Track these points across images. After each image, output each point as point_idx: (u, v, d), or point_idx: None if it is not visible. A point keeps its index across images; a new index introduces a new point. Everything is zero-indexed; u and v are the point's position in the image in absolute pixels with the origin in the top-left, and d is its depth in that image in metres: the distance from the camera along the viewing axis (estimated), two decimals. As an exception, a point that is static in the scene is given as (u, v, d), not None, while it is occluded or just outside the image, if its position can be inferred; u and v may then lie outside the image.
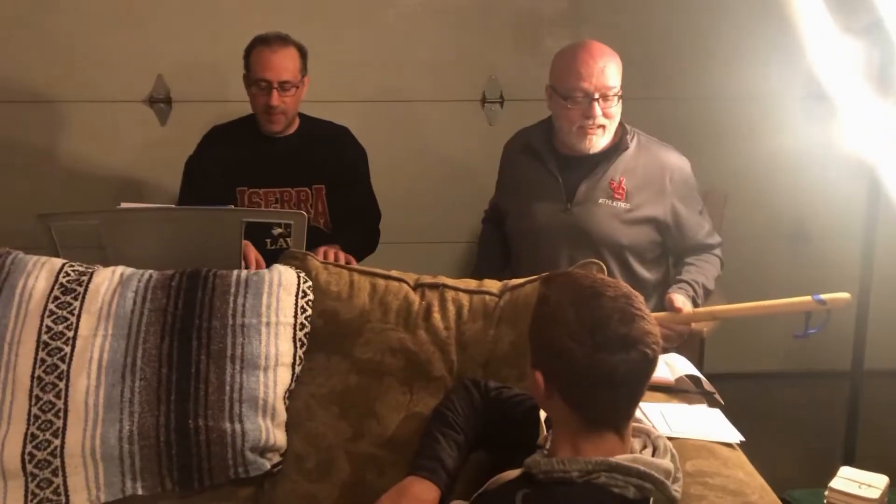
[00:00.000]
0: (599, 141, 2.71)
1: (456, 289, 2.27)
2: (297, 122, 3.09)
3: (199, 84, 3.45)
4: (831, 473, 2.23)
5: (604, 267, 2.23)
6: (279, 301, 2.22)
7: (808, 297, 2.42)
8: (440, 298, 2.25)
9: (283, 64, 2.94)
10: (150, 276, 2.26)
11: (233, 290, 2.22)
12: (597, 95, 2.65)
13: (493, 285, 2.30)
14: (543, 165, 2.81)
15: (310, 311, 2.25)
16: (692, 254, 2.84)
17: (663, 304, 2.74)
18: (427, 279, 2.32)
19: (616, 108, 2.70)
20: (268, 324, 2.19)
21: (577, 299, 1.62)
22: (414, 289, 2.28)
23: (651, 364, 1.61)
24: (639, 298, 1.66)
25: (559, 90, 2.72)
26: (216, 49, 3.36)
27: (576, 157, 2.78)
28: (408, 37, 3.52)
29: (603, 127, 2.69)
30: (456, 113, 3.58)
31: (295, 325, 2.22)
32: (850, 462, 3.06)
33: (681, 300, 2.63)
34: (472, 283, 2.31)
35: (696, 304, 2.70)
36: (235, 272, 2.27)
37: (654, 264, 2.84)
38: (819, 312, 2.41)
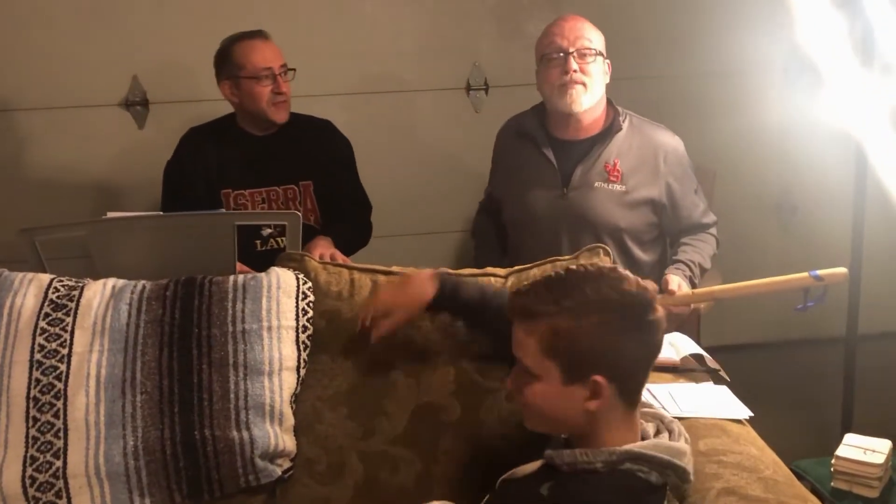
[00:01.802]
0: (581, 99, 2.70)
1: (461, 275, 2.26)
2: None
3: (177, 84, 3.41)
4: (834, 439, 2.25)
5: (609, 250, 2.23)
6: (279, 304, 2.20)
7: (805, 274, 2.45)
8: None
9: (276, 50, 2.95)
10: (144, 286, 2.23)
11: (230, 295, 2.20)
12: (572, 50, 2.68)
13: (497, 270, 2.29)
14: (538, 150, 2.81)
15: (311, 313, 2.23)
16: (688, 233, 2.85)
17: (661, 287, 2.73)
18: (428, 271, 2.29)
19: (596, 67, 2.71)
20: (269, 328, 2.17)
21: (598, 286, 1.62)
22: None
23: (664, 317, 1.68)
24: (631, 273, 1.70)
25: (538, 55, 2.77)
26: (192, 47, 3.31)
27: (570, 141, 2.79)
28: (387, 26, 3.50)
29: (584, 84, 2.69)
30: (441, 101, 3.57)
31: (297, 328, 2.20)
32: (849, 427, 3.11)
33: (676, 282, 2.64)
34: (474, 272, 2.30)
35: (692, 284, 2.71)
36: (232, 277, 2.25)
37: (651, 245, 2.85)
38: (816, 286, 2.44)
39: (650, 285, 1.69)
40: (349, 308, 2.22)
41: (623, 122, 2.77)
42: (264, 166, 3.01)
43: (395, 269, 2.30)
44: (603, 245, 2.24)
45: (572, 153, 2.77)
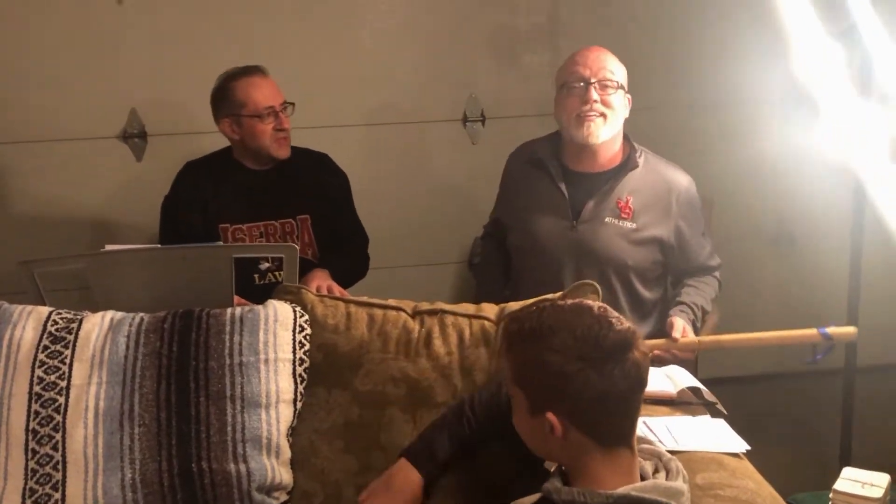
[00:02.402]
0: (599, 131, 2.69)
1: (455, 314, 2.29)
2: None
3: (175, 116, 3.43)
4: (832, 473, 2.26)
5: (598, 288, 2.24)
6: (276, 337, 2.23)
7: (814, 330, 2.48)
8: (440, 324, 2.26)
9: (276, 87, 2.97)
10: (142, 319, 2.26)
11: (228, 328, 2.22)
12: (593, 80, 2.67)
13: (490, 311, 2.30)
14: (550, 180, 2.81)
15: (308, 346, 2.25)
16: (693, 275, 2.86)
17: (662, 324, 2.76)
18: (425, 306, 2.33)
19: (617, 99, 2.70)
20: (266, 361, 2.20)
21: (566, 323, 1.62)
22: (412, 316, 2.30)
23: (647, 364, 1.64)
24: (608, 307, 1.68)
25: (559, 82, 2.76)
26: (189, 80, 3.34)
27: (584, 174, 2.79)
28: (384, 58, 3.52)
29: (603, 116, 2.68)
30: (437, 133, 3.59)
31: (294, 361, 2.23)
32: (848, 460, 3.11)
33: (680, 326, 2.63)
34: (470, 308, 2.32)
35: (695, 328, 2.72)
36: (229, 310, 2.27)
37: (655, 283, 2.86)
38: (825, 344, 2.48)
39: (635, 330, 1.66)
40: (346, 341, 2.25)
41: (639, 158, 2.77)
42: (262, 201, 3.03)
43: (391, 301, 2.33)
44: (592, 282, 2.24)
45: (585, 186, 2.77)
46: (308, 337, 2.26)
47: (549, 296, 2.27)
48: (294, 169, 3.06)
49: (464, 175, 3.60)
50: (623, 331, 1.61)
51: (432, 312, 2.29)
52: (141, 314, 2.28)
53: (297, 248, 2.50)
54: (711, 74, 3.52)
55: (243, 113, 2.94)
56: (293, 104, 3.00)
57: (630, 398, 1.62)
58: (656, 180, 2.77)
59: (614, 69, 2.71)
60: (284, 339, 2.23)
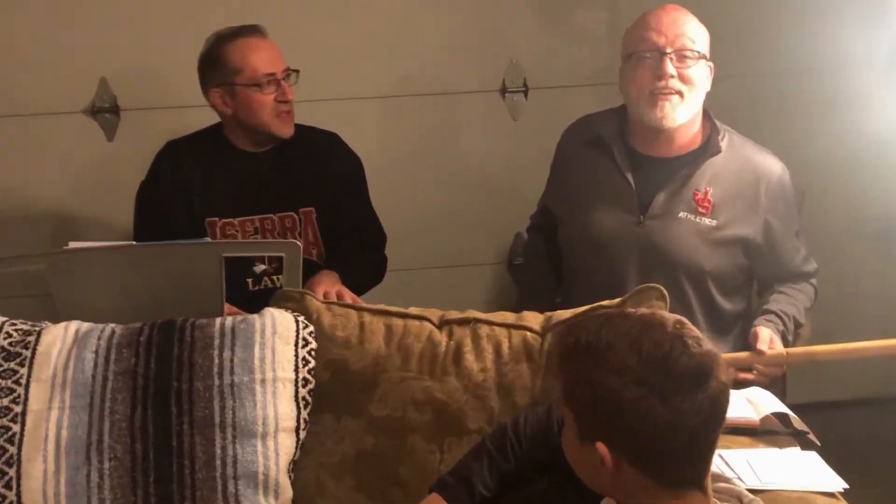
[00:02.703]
0: (676, 112, 2.68)
1: (491, 323, 2.29)
2: None
3: (153, 88, 3.44)
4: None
5: (665, 293, 2.23)
6: (275, 353, 2.23)
7: None
8: (473, 336, 2.28)
9: (278, 50, 2.97)
10: (113, 331, 2.27)
11: (216, 342, 2.23)
12: (669, 51, 2.65)
13: (533, 320, 2.30)
14: (614, 165, 2.80)
15: (313, 363, 2.26)
16: (783, 282, 2.84)
17: (745, 342, 2.74)
18: (454, 314, 2.33)
19: (697, 73, 2.68)
20: (263, 381, 2.20)
21: (630, 338, 1.60)
22: (439, 327, 2.31)
23: (727, 396, 1.62)
24: (688, 323, 1.66)
25: (626, 51, 2.74)
26: (172, 44, 3.34)
27: (655, 158, 2.78)
28: (408, 19, 3.52)
29: (680, 94, 2.67)
30: (471, 107, 3.58)
31: (296, 381, 2.23)
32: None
33: (767, 336, 2.61)
34: (509, 317, 2.33)
35: (785, 341, 2.70)
36: (218, 320, 2.27)
37: (737, 293, 2.85)
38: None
39: (717, 355, 1.63)
40: (358, 357, 2.25)
41: (722, 141, 2.75)
42: (257, 190, 3.03)
43: (412, 310, 2.33)
44: (657, 286, 2.23)
45: (656, 173, 2.76)
46: (313, 352, 2.27)
47: (605, 303, 2.27)
48: (297, 151, 3.06)
49: (502, 158, 3.60)
50: (702, 355, 1.59)
51: (463, 322, 2.30)
52: (112, 325, 2.28)
53: (301, 245, 2.49)
54: (802, 35, 3.50)
55: (238, 81, 2.94)
56: (297, 71, 3.00)
57: (703, 436, 1.60)
58: (742, 168, 2.75)
59: (695, 35, 2.68)
60: (284, 354, 2.23)
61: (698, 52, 2.67)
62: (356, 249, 3.07)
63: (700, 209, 2.73)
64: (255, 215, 3.03)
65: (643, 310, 1.70)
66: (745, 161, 2.76)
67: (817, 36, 3.47)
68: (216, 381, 2.18)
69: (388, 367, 2.24)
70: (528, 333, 2.26)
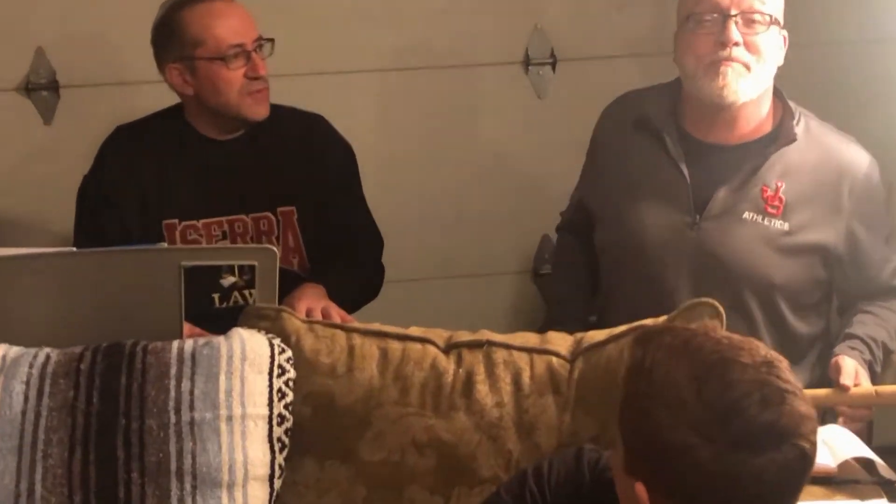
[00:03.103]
0: (739, 84, 2.67)
1: (508, 347, 2.29)
2: None
3: (99, 60, 3.45)
4: None
5: (720, 310, 2.23)
6: (244, 383, 2.23)
7: None
8: (486, 362, 2.28)
9: (247, 16, 2.98)
10: (48, 356, 2.27)
11: (173, 370, 2.23)
12: (735, 13, 2.65)
13: (560, 343, 2.31)
14: (664, 153, 2.80)
15: (291, 396, 2.26)
16: (870, 299, 2.84)
17: (823, 371, 2.74)
18: (464, 336, 2.33)
19: (768, 40, 2.67)
20: (229, 419, 2.20)
21: (697, 370, 1.61)
22: (445, 351, 2.31)
23: (809, 462, 1.62)
24: (783, 364, 1.65)
25: (683, 12, 2.74)
26: (121, 7, 3.36)
27: (715, 146, 2.78)
28: None
29: (746, 65, 2.66)
30: (488, 82, 3.58)
31: (270, 419, 2.23)
32: None
33: (851, 369, 2.59)
34: (530, 339, 2.33)
35: (873, 372, 2.69)
36: (175, 344, 2.28)
37: (813, 312, 2.84)
38: None
39: (804, 415, 1.61)
40: (346, 389, 2.25)
41: (797, 127, 2.74)
42: (226, 186, 3.04)
43: (413, 331, 2.33)
44: (711, 302, 2.23)
45: (716, 164, 2.76)
46: (291, 383, 2.28)
47: (648, 321, 2.27)
48: (274, 138, 3.07)
49: (526, 144, 3.60)
50: (784, 413, 1.58)
51: (474, 345, 2.30)
52: (47, 349, 2.29)
53: (278, 252, 2.51)
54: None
55: (199, 55, 2.94)
56: (272, 41, 3.00)
57: (770, 500, 1.61)
58: (821, 160, 2.75)
59: None
60: (256, 386, 2.24)
61: (770, 17, 2.67)
62: (346, 258, 3.07)
63: (770, 209, 2.72)
64: (223, 216, 3.04)
65: (736, 337, 1.69)
66: (826, 152, 2.76)
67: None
68: (172, 419, 2.18)
69: (382, 401, 2.24)
70: (554, 359, 2.26)
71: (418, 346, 2.31)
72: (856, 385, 2.57)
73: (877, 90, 3.55)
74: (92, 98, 3.47)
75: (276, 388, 2.26)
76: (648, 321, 2.27)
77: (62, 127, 3.49)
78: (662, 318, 2.27)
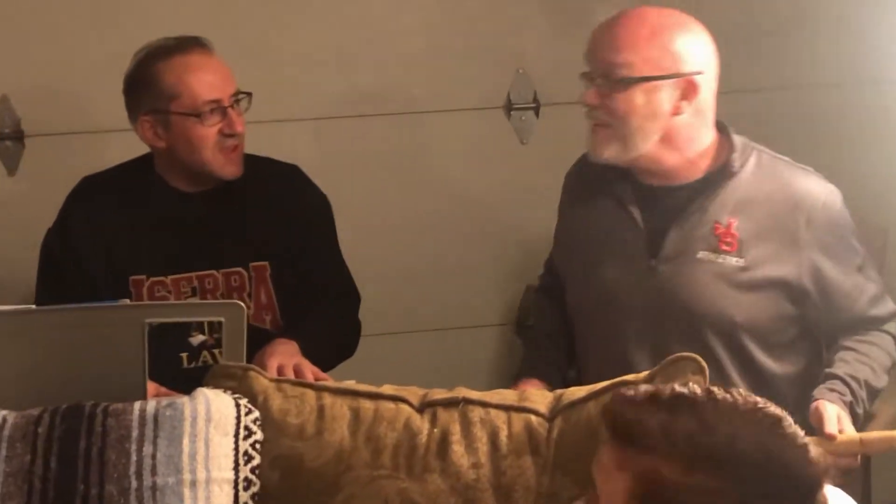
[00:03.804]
0: (603, 148, 2.74)
1: (485, 404, 2.28)
2: None
3: (68, 108, 3.46)
4: None
5: (703, 366, 2.22)
6: (209, 446, 2.22)
7: None
8: (462, 422, 2.27)
9: (225, 71, 2.97)
10: (4, 419, 2.27)
11: (135, 433, 2.22)
12: (596, 74, 2.72)
13: (538, 399, 2.30)
14: (617, 202, 2.83)
15: (258, 459, 2.25)
16: (848, 333, 2.81)
17: (805, 414, 2.66)
18: (439, 394, 2.33)
19: (632, 100, 2.69)
20: (193, 483, 2.19)
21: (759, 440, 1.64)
22: (419, 410, 2.31)
23: None
24: (787, 420, 1.69)
25: None
26: (90, 55, 3.37)
27: (660, 188, 2.79)
28: (392, 20, 3.55)
29: (607, 127, 2.72)
30: (468, 127, 3.59)
31: (236, 483, 2.22)
32: None
33: (833, 416, 2.56)
34: (508, 396, 2.32)
35: (855, 416, 2.65)
36: (137, 405, 2.27)
37: (789, 351, 2.82)
38: None
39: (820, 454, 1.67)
40: (316, 451, 2.24)
41: (742, 162, 2.76)
42: (196, 240, 3.04)
43: (386, 389, 2.33)
44: (694, 356, 2.22)
45: (665, 207, 2.78)
46: (258, 445, 2.26)
47: (630, 377, 2.26)
48: (247, 191, 3.06)
49: (508, 191, 3.60)
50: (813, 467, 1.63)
51: (450, 403, 2.30)
52: (3, 411, 2.28)
53: (244, 307, 2.49)
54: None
55: (174, 109, 2.93)
56: (249, 95, 2.99)
57: None
58: (774, 193, 2.75)
59: (632, 46, 2.69)
60: (221, 448, 2.23)
61: (631, 77, 2.68)
62: (322, 314, 3.06)
63: (724, 246, 2.72)
64: (193, 272, 3.03)
65: (738, 395, 1.71)
66: (779, 185, 2.76)
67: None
68: (134, 484, 2.17)
69: (353, 464, 2.23)
70: (533, 418, 2.25)
71: (391, 405, 2.30)
72: (840, 432, 2.54)
73: (870, 132, 3.54)
74: (58, 147, 3.47)
75: (242, 450, 2.24)
76: (630, 377, 2.27)
77: (27, 178, 3.49)
78: (644, 374, 2.26)
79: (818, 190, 2.76)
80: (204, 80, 2.92)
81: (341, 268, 3.17)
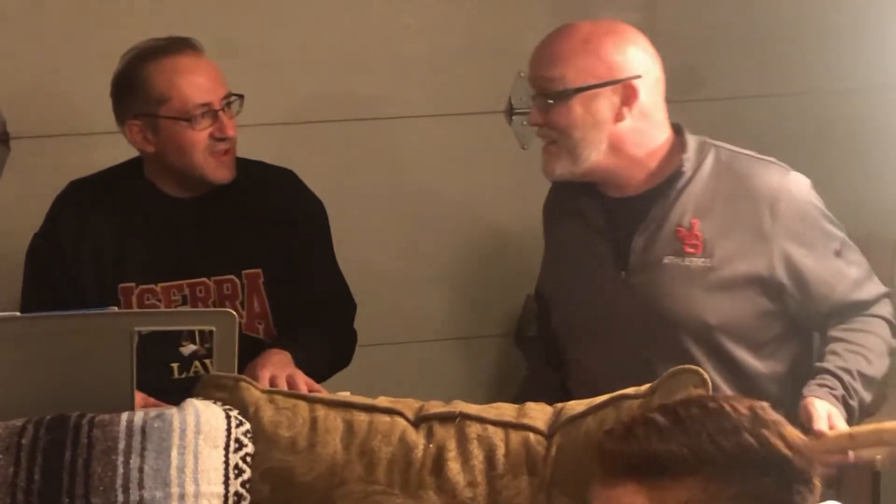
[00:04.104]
0: (553, 164, 2.79)
1: (482, 420, 2.27)
2: None
3: (55, 110, 3.46)
4: None
5: (706, 378, 2.21)
6: (198, 459, 2.20)
7: None
8: (458, 438, 2.25)
9: (216, 73, 2.96)
10: (-12, 429, 2.24)
11: (122, 445, 2.20)
12: (533, 92, 2.80)
13: (537, 414, 2.29)
14: (586, 221, 2.88)
15: (249, 473, 2.23)
16: (837, 321, 2.80)
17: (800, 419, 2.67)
18: (435, 407, 2.32)
19: (570, 112, 2.73)
20: (182, 497, 2.17)
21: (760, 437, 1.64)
22: (415, 424, 2.29)
23: None
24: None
25: None
26: (77, 56, 3.37)
27: (622, 199, 2.83)
28: (392, 22, 3.55)
29: (555, 144, 2.77)
30: (469, 133, 3.59)
31: (226, 497, 2.20)
32: None
33: (823, 413, 2.56)
34: (507, 411, 2.31)
35: (849, 410, 2.64)
36: (125, 416, 2.25)
37: (775, 349, 2.82)
38: None
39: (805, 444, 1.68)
40: (307, 465, 2.22)
41: (697, 162, 2.79)
42: (187, 247, 3.03)
43: (381, 401, 2.31)
44: (696, 368, 2.21)
45: (630, 218, 2.81)
46: (249, 458, 2.24)
47: (630, 391, 2.25)
48: (239, 195, 3.06)
49: (509, 197, 3.61)
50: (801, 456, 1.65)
51: (446, 418, 2.28)
52: (-13, 422, 2.26)
53: (235, 315, 2.47)
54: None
55: (163, 113, 2.92)
56: (241, 97, 2.99)
57: None
58: (735, 189, 2.77)
59: (567, 60, 2.74)
60: (211, 461, 2.21)
61: (567, 89, 2.71)
62: (316, 323, 3.05)
63: (688, 248, 2.75)
64: (184, 279, 3.02)
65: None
66: (739, 180, 2.78)
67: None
68: (120, 498, 2.15)
69: (347, 479, 2.21)
70: (531, 435, 2.24)
71: (386, 418, 2.28)
72: (831, 428, 2.54)
73: (876, 138, 3.53)
74: (45, 150, 3.47)
75: (232, 464, 2.22)
76: (630, 390, 2.26)
77: (12, 182, 3.49)
78: (645, 388, 2.25)
79: (779, 179, 2.78)
80: (194, 83, 2.92)
81: (336, 275, 3.16)
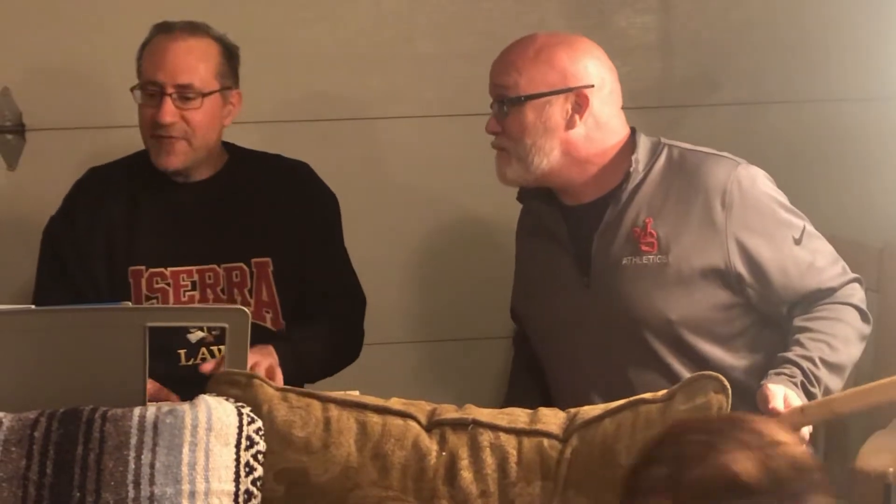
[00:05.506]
0: (504, 169, 2.85)
1: (496, 427, 2.27)
2: (222, 158, 3.09)
3: (70, 101, 3.44)
4: None
5: (726, 384, 2.22)
6: (209, 456, 2.21)
7: None
8: (471, 445, 2.26)
9: (186, 60, 2.94)
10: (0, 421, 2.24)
11: (133, 440, 2.21)
12: (491, 101, 2.84)
13: (551, 420, 2.29)
14: (549, 232, 2.92)
15: (260, 471, 2.24)
16: (801, 309, 2.80)
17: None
18: (448, 412, 2.32)
19: (522, 119, 2.78)
20: (192, 495, 2.18)
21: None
22: (428, 429, 2.30)
23: None
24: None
25: None
26: (93, 45, 3.36)
27: (581, 206, 2.85)
28: (405, 22, 3.54)
29: (504, 151, 2.83)
30: (467, 135, 3.50)
31: (237, 496, 2.21)
32: None
33: (780, 395, 2.55)
34: (520, 417, 2.31)
35: (810, 397, 2.63)
36: (137, 411, 2.25)
37: (743, 341, 2.82)
38: None
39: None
40: (322, 466, 2.23)
41: (648, 162, 2.81)
42: (197, 232, 3.04)
43: (394, 403, 2.32)
44: (715, 375, 2.23)
45: (588, 224, 2.84)
46: (261, 456, 2.25)
47: (647, 396, 2.27)
48: (250, 183, 3.07)
49: (508, 200, 3.51)
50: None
51: (458, 424, 2.29)
52: (-1, 413, 2.26)
53: (248, 313, 2.46)
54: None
55: (136, 87, 2.99)
56: (203, 95, 2.95)
57: None
58: (684, 185, 2.80)
59: (523, 70, 2.79)
60: (222, 459, 2.21)
61: (519, 96, 2.78)
62: (323, 316, 3.06)
63: (644, 247, 2.77)
64: (193, 265, 3.02)
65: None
66: (688, 175, 2.80)
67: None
68: (131, 493, 2.15)
69: (360, 482, 2.22)
70: (545, 441, 2.24)
71: (399, 421, 2.28)
72: (787, 408, 2.54)
73: (878, 149, 3.54)
74: (60, 142, 3.46)
75: (243, 461, 2.23)
76: (647, 395, 2.27)
77: (27, 172, 3.49)
78: (662, 393, 2.27)
79: (728, 171, 2.79)
80: (154, 60, 2.96)
81: (346, 269, 3.17)
